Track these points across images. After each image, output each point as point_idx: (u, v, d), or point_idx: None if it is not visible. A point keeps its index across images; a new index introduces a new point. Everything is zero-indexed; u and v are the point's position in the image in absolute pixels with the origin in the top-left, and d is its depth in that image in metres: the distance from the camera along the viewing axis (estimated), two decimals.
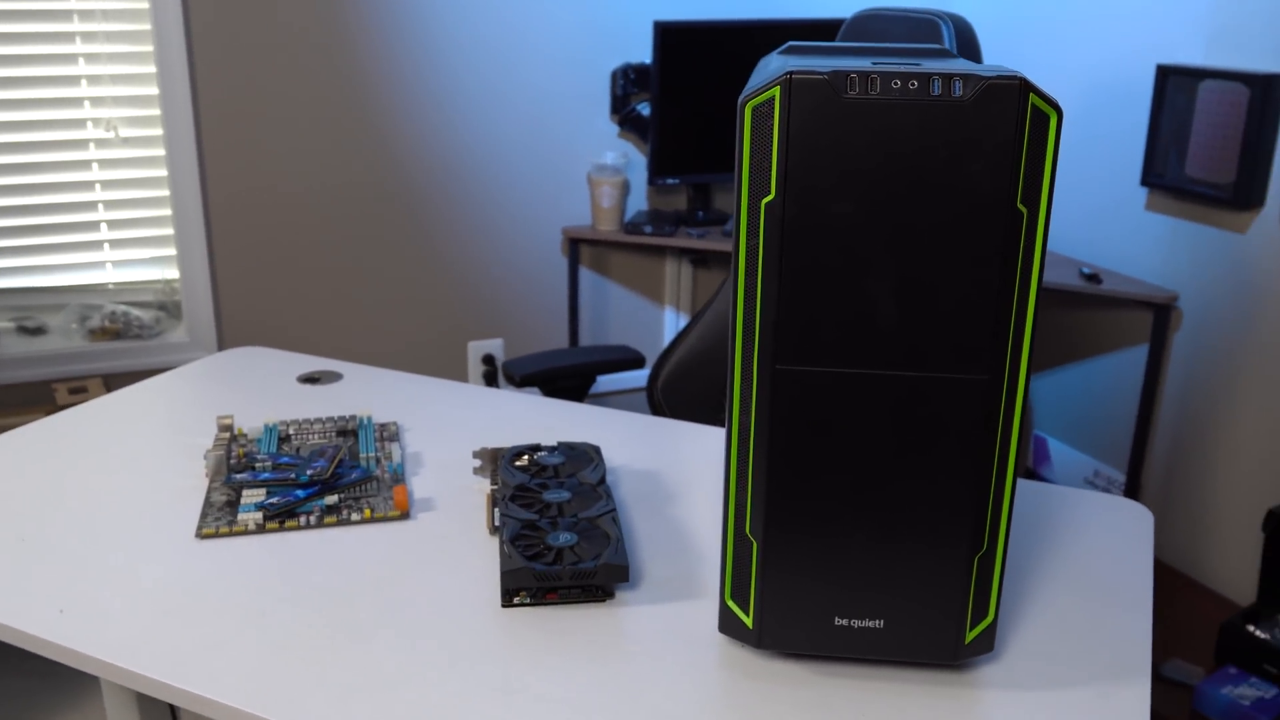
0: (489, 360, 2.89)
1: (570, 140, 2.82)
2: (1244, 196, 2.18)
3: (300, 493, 0.90)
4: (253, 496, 0.90)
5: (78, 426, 1.06)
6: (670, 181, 2.76)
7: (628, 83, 2.77)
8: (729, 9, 2.87)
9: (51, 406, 2.41)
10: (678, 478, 0.96)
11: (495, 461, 0.94)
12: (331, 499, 0.91)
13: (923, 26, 1.38)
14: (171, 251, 2.55)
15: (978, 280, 0.56)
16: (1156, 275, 2.46)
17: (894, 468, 0.60)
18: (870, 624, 0.64)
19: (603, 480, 0.87)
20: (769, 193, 0.56)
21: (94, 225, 2.48)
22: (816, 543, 0.62)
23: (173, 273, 2.57)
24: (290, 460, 0.95)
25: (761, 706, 0.65)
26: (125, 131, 2.44)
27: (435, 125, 2.69)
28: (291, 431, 1.04)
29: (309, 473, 0.92)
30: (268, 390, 1.16)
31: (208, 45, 2.43)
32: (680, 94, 2.69)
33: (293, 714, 0.65)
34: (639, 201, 2.95)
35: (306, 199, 2.62)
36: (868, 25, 1.46)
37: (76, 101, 2.39)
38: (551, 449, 0.93)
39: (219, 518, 0.88)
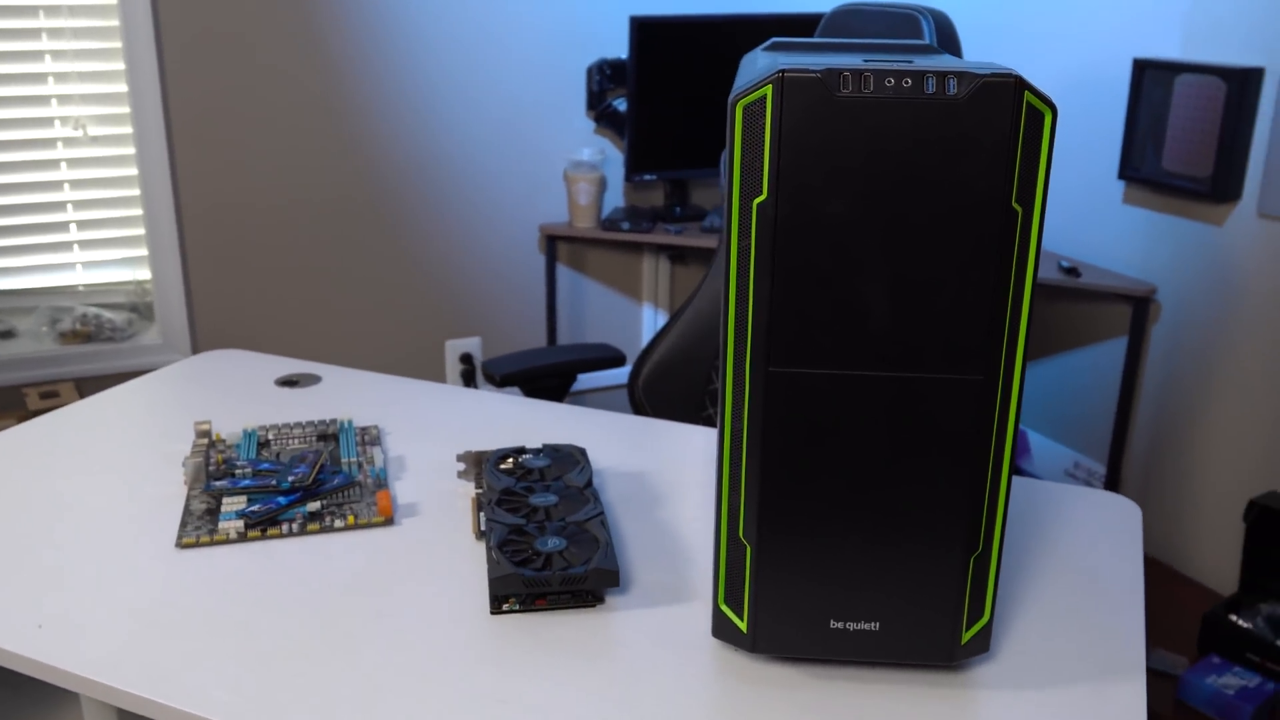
0: (467, 359, 2.87)
1: (546, 137, 2.81)
2: (1221, 189, 2.19)
3: (282, 500, 0.89)
4: (233, 504, 0.89)
5: (51, 434, 1.04)
6: (647, 178, 2.75)
7: (604, 78, 2.75)
8: (705, 4, 2.86)
9: (23, 412, 2.37)
10: (664, 478, 0.95)
11: (480, 465, 0.93)
12: (314, 506, 0.89)
13: (903, 21, 1.37)
14: (143, 252, 2.51)
15: (972, 280, 0.55)
16: (1135, 268, 2.47)
17: (889, 469, 0.59)
18: (866, 626, 0.63)
19: (590, 483, 0.86)
20: (761, 193, 0.55)
21: (63, 226, 2.44)
22: (811, 545, 0.61)
23: (144, 273, 2.53)
24: (271, 466, 0.94)
25: (757, 711, 0.64)
26: (94, 130, 2.41)
27: (410, 122, 2.67)
28: (271, 436, 1.02)
29: (290, 479, 0.91)
30: (245, 394, 1.15)
31: (177, 41, 2.39)
32: (657, 90, 2.68)
33: None
34: (616, 198, 2.93)
35: (280, 197, 2.59)
36: (847, 20, 1.45)
37: (43, 100, 2.35)
38: (537, 451, 0.92)
39: (199, 527, 0.86)
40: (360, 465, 0.97)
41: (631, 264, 2.99)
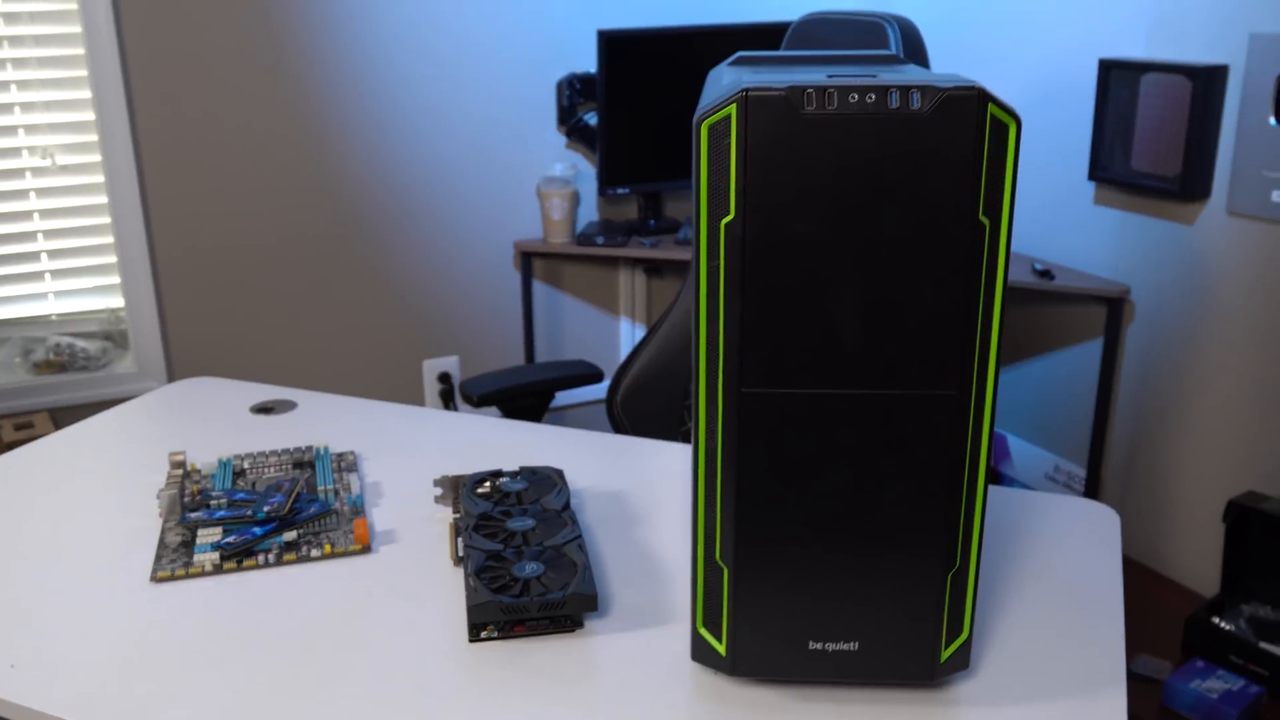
0: (445, 378, 2.86)
1: (518, 152, 2.80)
2: (1190, 188, 2.21)
3: (258, 530, 0.88)
4: (208, 536, 0.88)
5: (25, 469, 1.02)
6: (620, 191, 2.75)
7: (574, 93, 2.75)
8: (672, 16, 2.86)
9: None
10: (643, 498, 0.95)
11: (457, 489, 0.92)
12: (290, 535, 0.88)
13: (869, 30, 1.37)
14: (115, 280, 2.50)
15: (943, 294, 0.55)
16: (1108, 269, 2.48)
17: (864, 487, 0.59)
18: (845, 646, 0.63)
19: (567, 505, 0.86)
20: (728, 212, 0.55)
21: (34, 256, 2.42)
22: (788, 567, 0.61)
23: (117, 301, 2.51)
24: (246, 496, 0.93)
25: None
26: (62, 159, 2.39)
27: (380, 141, 2.66)
28: (246, 465, 1.01)
29: (265, 509, 0.90)
30: (220, 422, 1.13)
31: (144, 68, 2.38)
32: (627, 103, 2.68)
33: None
34: (590, 212, 2.93)
35: (252, 221, 2.57)
36: (814, 30, 1.46)
37: (10, 130, 2.33)
38: (514, 474, 0.91)
39: (174, 559, 0.85)
40: (337, 493, 0.96)
41: (607, 278, 2.99)
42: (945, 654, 0.64)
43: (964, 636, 0.64)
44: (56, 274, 2.45)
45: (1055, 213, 2.60)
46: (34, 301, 2.46)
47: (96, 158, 2.40)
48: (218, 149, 2.49)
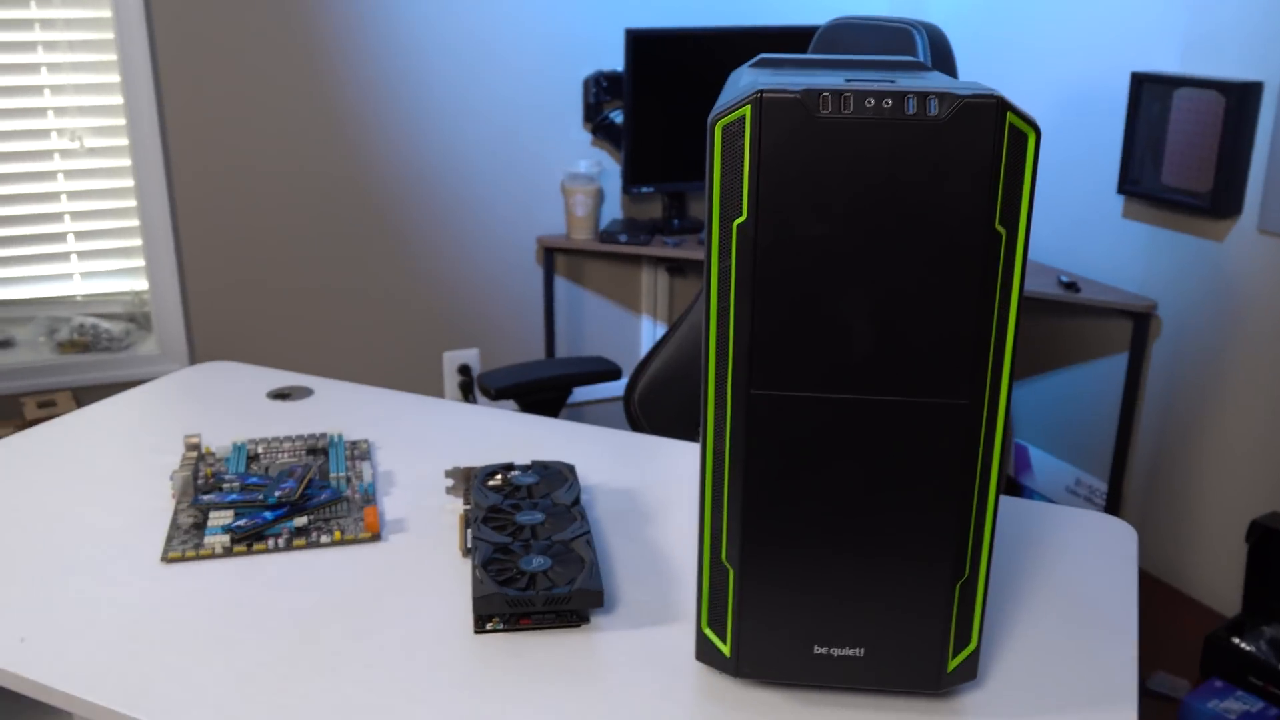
0: (465, 370, 2.87)
1: (543, 149, 2.81)
2: (1221, 205, 2.19)
3: (268, 514, 0.88)
4: (220, 519, 0.88)
5: (43, 445, 1.03)
6: (645, 190, 2.75)
7: (600, 90, 2.75)
8: (701, 17, 2.86)
9: (20, 421, 2.37)
10: (655, 496, 0.95)
11: (468, 481, 0.93)
12: (300, 521, 0.89)
13: (897, 37, 1.37)
14: (140, 262, 2.52)
15: (956, 303, 0.55)
16: (1135, 283, 2.46)
17: (873, 494, 0.59)
18: (850, 653, 0.62)
19: (577, 500, 0.86)
20: (740, 214, 0.55)
21: (61, 236, 2.44)
22: (794, 570, 0.61)
23: (142, 284, 2.53)
24: (258, 481, 0.93)
25: None
26: (90, 141, 2.41)
27: (408, 134, 2.67)
28: (260, 450, 1.02)
29: (277, 494, 0.90)
30: (237, 407, 1.14)
31: (172, 54, 2.40)
32: (653, 102, 2.68)
33: None
34: (614, 210, 2.93)
35: (277, 208, 2.59)
36: (841, 35, 1.45)
37: (40, 111, 2.36)
38: (525, 468, 0.91)
39: (185, 541, 0.86)
40: (349, 480, 0.96)
41: (630, 276, 2.99)
42: (952, 664, 0.63)
43: (972, 647, 0.63)
44: (83, 255, 2.47)
45: (1083, 225, 2.59)
46: (60, 282, 2.48)
47: (124, 141, 2.42)
48: (244, 137, 2.51)
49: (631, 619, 0.75)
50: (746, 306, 0.56)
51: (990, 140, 0.53)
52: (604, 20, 2.76)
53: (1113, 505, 2.45)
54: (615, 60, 2.81)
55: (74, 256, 2.47)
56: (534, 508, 0.84)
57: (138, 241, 2.50)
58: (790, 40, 2.72)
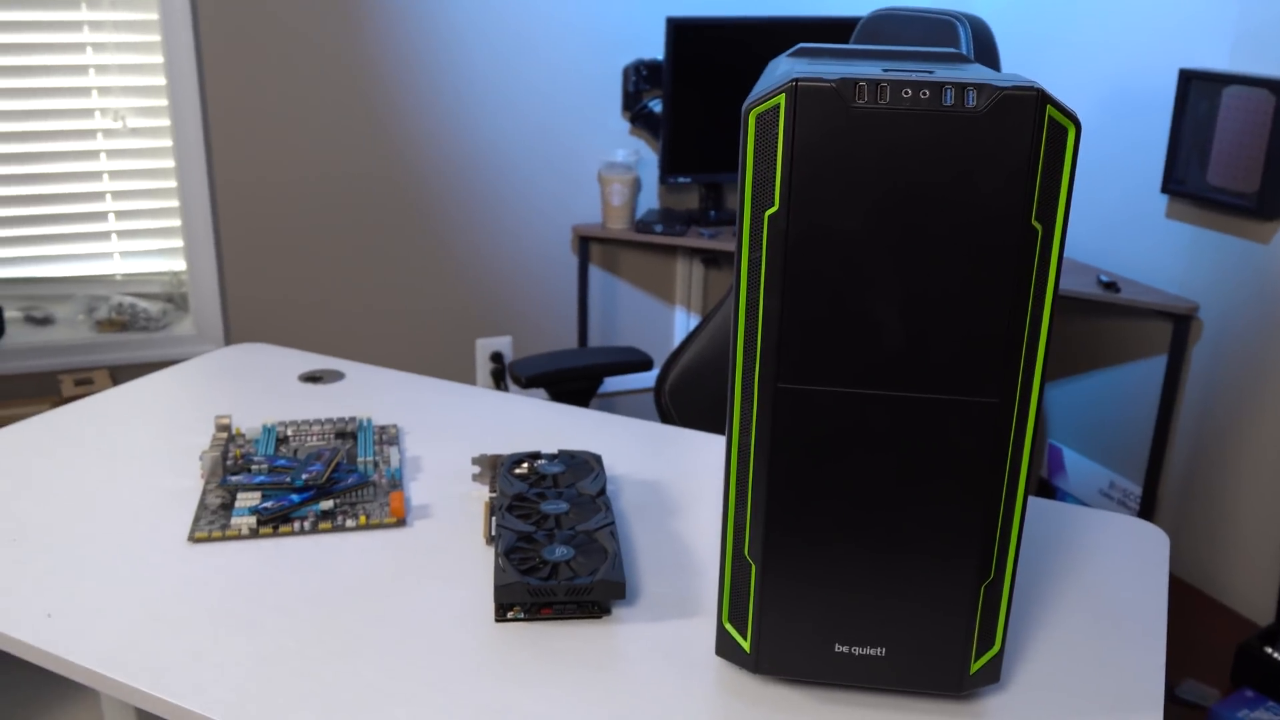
0: (497, 358, 2.87)
1: (581, 137, 2.80)
2: (1268, 206, 2.15)
3: (295, 497, 0.89)
4: (247, 500, 0.89)
5: (77, 423, 1.04)
6: (682, 180, 2.73)
7: (639, 79, 2.74)
8: (743, 6, 2.84)
9: (57, 398, 2.40)
10: (681, 489, 0.94)
11: (495, 468, 0.92)
12: (327, 504, 0.89)
13: (939, 28, 1.35)
14: (179, 243, 2.54)
15: (989, 299, 0.54)
16: (1176, 285, 2.42)
17: (899, 492, 0.58)
18: (872, 652, 0.61)
19: (602, 491, 0.85)
20: (772, 204, 0.54)
21: (102, 216, 2.47)
22: (817, 567, 0.60)
23: (180, 265, 2.56)
24: (287, 463, 0.94)
25: None
26: (133, 122, 2.43)
27: (445, 120, 2.67)
28: (290, 433, 1.02)
29: (304, 476, 0.90)
30: (269, 389, 1.15)
31: (215, 36, 2.41)
32: (693, 91, 2.67)
33: None
34: (650, 200, 2.92)
35: (315, 192, 2.60)
36: (883, 26, 1.43)
37: (84, 91, 2.38)
38: (552, 457, 0.91)
39: (212, 521, 0.86)
40: (376, 465, 0.97)
41: (665, 267, 2.98)
42: (975, 666, 0.62)
43: (996, 649, 0.62)
44: (123, 235, 2.50)
45: (1125, 224, 2.55)
46: (100, 260, 2.50)
47: (166, 122, 2.44)
48: (283, 123, 2.52)
49: (653, 612, 0.75)
50: (776, 299, 0.55)
51: (1029, 133, 0.51)
52: (645, 8, 2.75)
53: (1147, 510, 2.41)
54: (656, 49, 2.79)
55: (114, 236, 2.49)
56: (559, 497, 0.84)
57: (177, 222, 2.52)
58: (832, 31, 2.70)
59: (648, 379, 3.04)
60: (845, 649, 0.62)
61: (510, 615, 0.74)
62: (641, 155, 2.86)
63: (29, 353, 2.41)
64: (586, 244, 2.81)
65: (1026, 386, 0.56)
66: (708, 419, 1.59)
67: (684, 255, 2.98)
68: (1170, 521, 2.49)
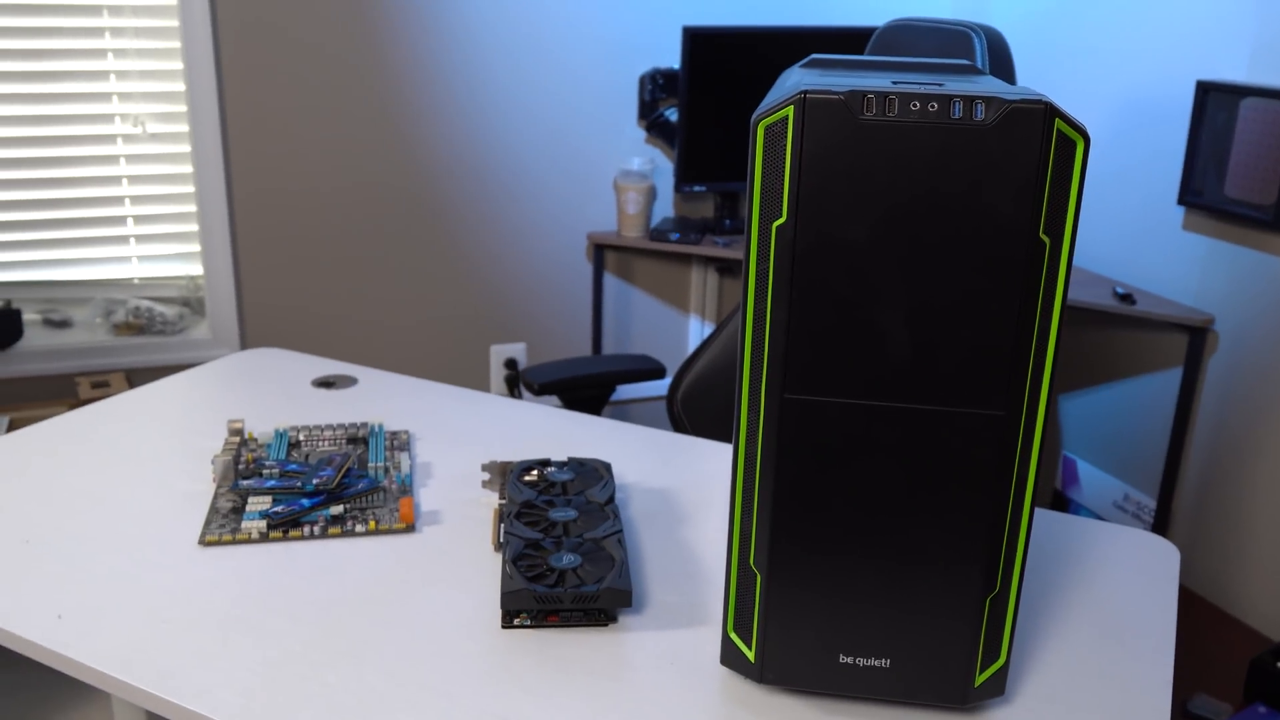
0: (511, 364, 2.88)
1: (597, 145, 2.81)
2: None
3: (305, 502, 0.89)
4: (258, 504, 0.89)
5: (91, 426, 1.05)
6: (697, 189, 2.74)
7: (656, 88, 2.75)
8: (759, 16, 2.84)
9: (74, 400, 2.41)
10: (691, 497, 0.94)
11: (504, 475, 0.93)
12: (337, 509, 0.89)
13: (955, 39, 1.35)
14: (196, 248, 2.55)
15: (996, 312, 0.54)
16: (1192, 297, 2.41)
17: (904, 503, 0.58)
18: (876, 663, 0.61)
19: (611, 499, 0.85)
20: (780, 215, 0.54)
21: (120, 220, 2.48)
22: (822, 578, 0.60)
23: (197, 269, 2.57)
24: (298, 468, 0.94)
25: None
26: (153, 127, 2.45)
27: (462, 127, 2.68)
28: (302, 437, 1.03)
29: (315, 481, 0.91)
30: (282, 393, 1.15)
31: (235, 43, 2.43)
32: (708, 101, 2.67)
33: None
34: (665, 208, 2.93)
35: (331, 198, 2.61)
36: (898, 37, 1.43)
37: (105, 96, 2.40)
38: (561, 465, 0.91)
39: (223, 525, 0.86)
40: (387, 470, 0.97)
41: (679, 275, 2.98)
42: (980, 678, 0.62)
43: (1000, 662, 0.62)
44: (141, 239, 2.51)
45: (1141, 236, 2.54)
46: (118, 264, 2.52)
47: (185, 128, 2.46)
48: (300, 127, 2.53)
49: (659, 620, 0.75)
50: (783, 309, 0.55)
51: (1037, 147, 0.51)
52: (662, 18, 2.76)
53: (1161, 523, 2.40)
54: (672, 58, 2.80)
55: (132, 240, 2.51)
56: (567, 504, 0.84)
57: (194, 227, 2.53)
58: (848, 41, 2.70)
59: (660, 387, 3.04)
60: (850, 660, 0.62)
61: (517, 622, 0.74)
62: (657, 164, 2.86)
63: (46, 355, 2.42)
64: (601, 252, 2.82)
65: (1034, 399, 0.56)
66: (720, 427, 1.59)
67: (699, 264, 2.98)
68: (1184, 535, 2.48)
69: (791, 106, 0.52)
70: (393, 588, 0.78)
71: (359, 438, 1.03)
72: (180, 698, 0.66)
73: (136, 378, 2.51)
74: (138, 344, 2.48)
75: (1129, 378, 2.60)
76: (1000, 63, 1.33)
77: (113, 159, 2.44)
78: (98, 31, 2.35)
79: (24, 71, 2.33)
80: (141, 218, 2.50)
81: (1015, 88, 0.55)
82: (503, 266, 2.81)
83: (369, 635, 0.72)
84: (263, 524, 0.86)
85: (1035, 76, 2.81)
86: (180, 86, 2.43)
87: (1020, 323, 0.54)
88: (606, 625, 0.74)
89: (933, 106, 0.52)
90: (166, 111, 2.45)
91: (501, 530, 0.85)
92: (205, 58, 2.39)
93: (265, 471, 0.94)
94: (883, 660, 0.61)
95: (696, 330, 3.04)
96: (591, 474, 0.90)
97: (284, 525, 0.87)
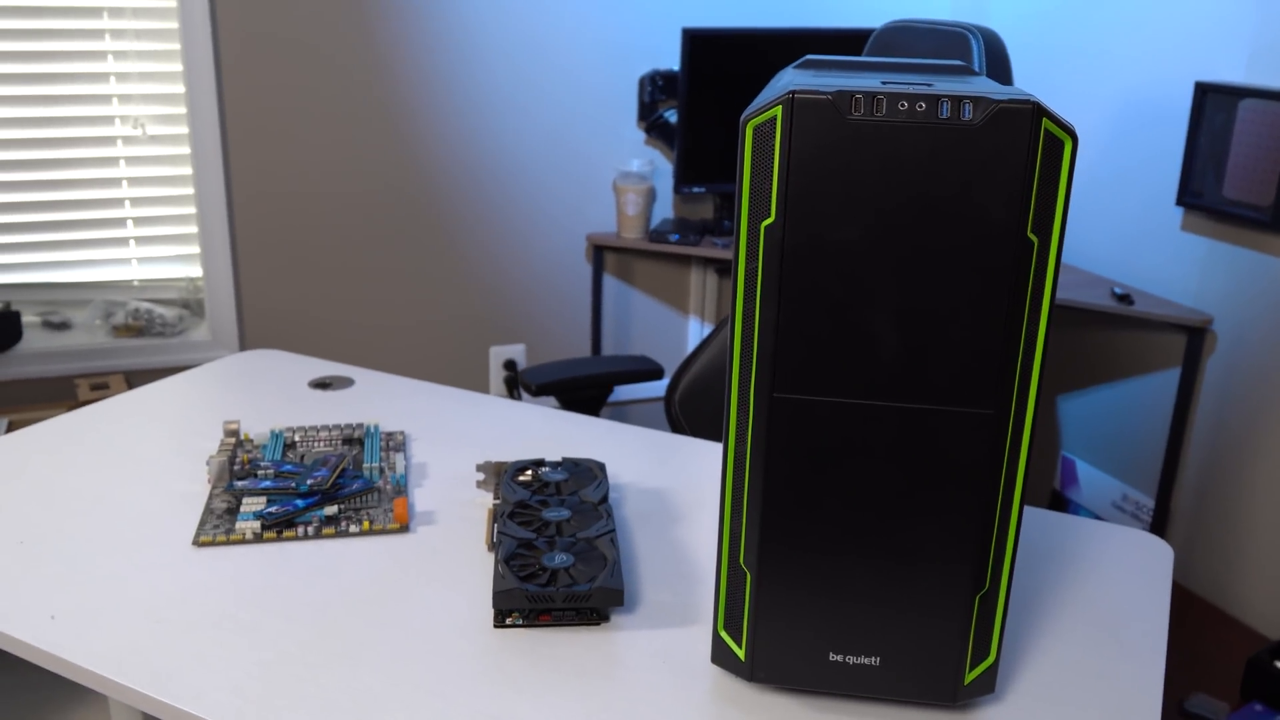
0: (510, 365, 2.88)
1: (596, 146, 2.81)
2: None
3: (300, 502, 0.89)
4: (252, 505, 0.89)
5: (88, 427, 1.05)
6: (696, 190, 2.74)
7: (655, 89, 2.75)
8: (758, 18, 2.84)
9: (73, 402, 2.42)
10: (685, 497, 0.94)
11: (499, 475, 0.93)
12: (331, 510, 0.89)
13: (952, 40, 1.35)
14: (196, 250, 2.55)
15: (985, 311, 0.54)
16: (1191, 297, 2.41)
17: (894, 502, 0.58)
18: (866, 661, 0.62)
19: (605, 499, 0.85)
20: (769, 215, 0.54)
21: (120, 222, 2.49)
22: (812, 576, 0.60)
23: (197, 271, 2.57)
24: (293, 468, 0.94)
25: None
26: (153, 129, 2.45)
27: (461, 129, 2.68)
28: (297, 438, 1.03)
29: (309, 482, 0.91)
30: (279, 395, 1.15)
31: (234, 46, 2.43)
32: (708, 102, 2.67)
33: None
34: (665, 209, 2.93)
35: (330, 200, 2.62)
36: (895, 39, 1.43)
37: (105, 98, 2.40)
38: (555, 465, 0.91)
39: (217, 526, 0.87)
40: (382, 471, 0.97)
41: (679, 277, 2.99)
42: (970, 676, 0.62)
43: (990, 660, 0.62)
44: (140, 241, 2.52)
45: (1140, 237, 2.54)
46: (118, 266, 2.53)
47: (185, 129, 2.46)
48: (300, 128, 2.54)
49: (652, 619, 0.75)
50: (772, 309, 0.56)
51: (1025, 146, 0.52)
52: (661, 19, 2.76)
53: (1159, 522, 2.40)
54: (671, 60, 2.80)
55: (132, 242, 2.51)
56: (561, 504, 0.84)
57: (194, 229, 2.53)
58: (847, 42, 2.70)
59: (659, 388, 3.04)
60: (840, 658, 0.62)
61: (509, 621, 0.74)
62: (656, 165, 2.86)
63: (46, 357, 2.43)
64: (601, 253, 2.82)
65: (1023, 398, 0.56)
66: (718, 428, 1.59)
67: (698, 265, 2.99)
68: (1183, 535, 2.48)
69: (780, 107, 0.52)
70: (387, 588, 0.79)
71: (354, 438, 1.04)
72: (175, 699, 0.66)
73: (136, 380, 2.52)
74: (137, 346, 2.49)
75: (1128, 378, 2.60)
76: (997, 64, 1.33)
77: (112, 161, 2.44)
78: (98, 33, 2.36)
79: (24, 74, 2.34)
80: (141, 219, 2.50)
81: (1004, 88, 0.55)
82: (502, 268, 2.82)
83: (363, 635, 0.73)
84: (257, 524, 0.86)
85: (1034, 77, 2.81)
86: (180, 88, 2.44)
87: (1009, 321, 0.54)
88: (599, 624, 0.74)
89: (921, 106, 0.52)
90: (166, 113, 2.45)
91: (495, 530, 0.85)
92: (205, 59, 2.39)
93: (260, 472, 0.94)
94: (873, 658, 0.61)
95: (695, 331, 3.04)
96: (586, 474, 0.90)
97: (278, 526, 0.87)
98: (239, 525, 0.86)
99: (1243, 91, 2.19)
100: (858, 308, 0.55)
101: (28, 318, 2.52)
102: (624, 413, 3.03)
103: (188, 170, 2.49)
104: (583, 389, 1.80)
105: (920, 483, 0.57)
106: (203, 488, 0.94)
